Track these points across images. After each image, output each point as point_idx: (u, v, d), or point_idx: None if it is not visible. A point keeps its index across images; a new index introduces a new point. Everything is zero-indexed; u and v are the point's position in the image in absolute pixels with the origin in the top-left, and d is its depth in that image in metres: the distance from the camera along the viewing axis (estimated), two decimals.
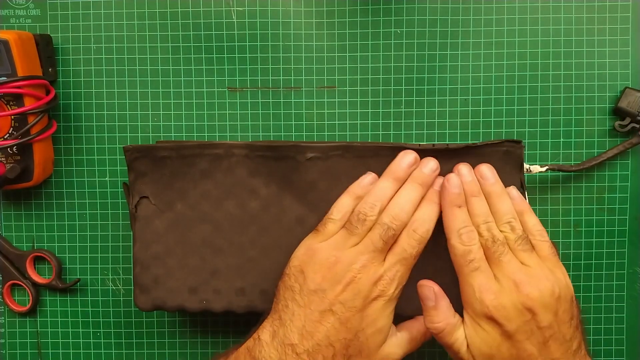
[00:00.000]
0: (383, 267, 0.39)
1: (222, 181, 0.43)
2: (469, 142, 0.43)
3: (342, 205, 0.41)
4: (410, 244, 0.39)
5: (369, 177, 0.42)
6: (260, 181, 0.43)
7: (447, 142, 0.47)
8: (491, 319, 0.38)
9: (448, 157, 0.43)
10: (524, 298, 0.38)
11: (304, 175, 0.43)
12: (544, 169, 0.46)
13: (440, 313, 0.40)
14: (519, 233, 0.40)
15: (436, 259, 0.42)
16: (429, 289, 0.41)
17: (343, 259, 0.39)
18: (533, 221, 0.42)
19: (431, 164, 0.41)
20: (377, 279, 0.38)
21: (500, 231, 0.40)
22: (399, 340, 0.41)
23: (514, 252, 0.40)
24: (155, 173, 0.44)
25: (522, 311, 0.38)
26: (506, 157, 0.42)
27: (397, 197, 0.40)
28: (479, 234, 0.40)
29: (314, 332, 0.38)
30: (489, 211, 0.41)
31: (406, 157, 0.41)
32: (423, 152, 0.42)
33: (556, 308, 0.38)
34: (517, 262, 0.39)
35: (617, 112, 0.47)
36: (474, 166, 0.42)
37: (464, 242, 0.40)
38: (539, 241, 0.41)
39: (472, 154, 0.42)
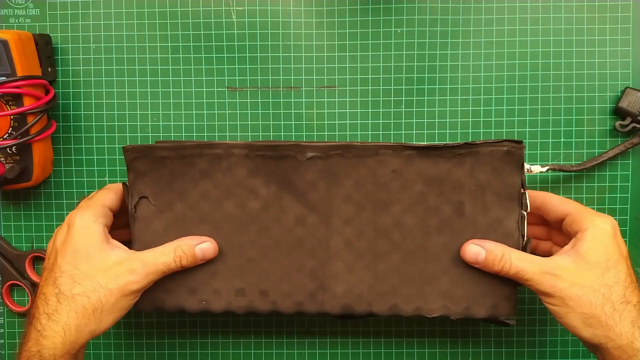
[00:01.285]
0: None
1: (222, 181, 0.43)
2: (469, 140, 0.43)
3: None
4: None
5: None
6: (259, 181, 0.43)
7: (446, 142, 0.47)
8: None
9: (448, 156, 0.42)
10: None
11: (304, 175, 0.43)
12: (544, 169, 0.45)
13: (494, 252, 0.41)
14: None
15: (425, 249, 0.43)
16: (471, 247, 0.42)
17: None
18: None
19: None
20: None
21: None
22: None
23: None
24: (154, 173, 0.44)
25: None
26: (507, 158, 0.42)
27: None
28: None
29: None
30: None
31: None
32: (422, 151, 0.42)
33: None
34: None
35: (618, 112, 0.47)
36: (474, 166, 0.42)
37: (555, 195, 0.44)
38: None
39: (472, 154, 0.42)
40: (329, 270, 0.44)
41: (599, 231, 0.40)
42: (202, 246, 0.43)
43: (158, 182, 0.44)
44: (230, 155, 0.43)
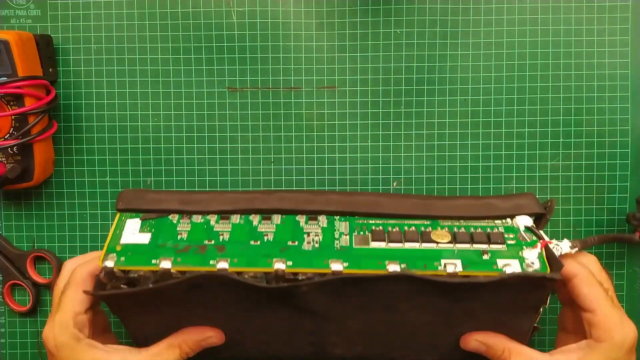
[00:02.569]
0: None
1: (209, 304, 0.39)
2: (497, 273, 0.37)
3: None
4: None
5: None
6: (251, 303, 0.39)
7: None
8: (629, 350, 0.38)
9: (467, 287, 0.37)
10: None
11: (304, 305, 0.39)
12: (573, 250, 0.40)
13: (495, 348, 0.40)
14: None
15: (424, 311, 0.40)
16: (472, 342, 0.41)
17: None
18: None
19: None
20: None
21: None
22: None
23: None
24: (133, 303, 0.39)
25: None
26: (534, 289, 0.38)
27: None
28: None
29: None
30: None
31: None
32: (438, 285, 0.36)
33: None
34: None
35: None
36: (494, 294, 0.38)
37: (590, 277, 0.39)
38: None
39: (495, 286, 0.37)
40: (328, 341, 0.42)
41: (615, 347, 0.38)
42: (209, 341, 0.41)
43: (139, 304, 0.40)
44: (211, 289, 0.38)
